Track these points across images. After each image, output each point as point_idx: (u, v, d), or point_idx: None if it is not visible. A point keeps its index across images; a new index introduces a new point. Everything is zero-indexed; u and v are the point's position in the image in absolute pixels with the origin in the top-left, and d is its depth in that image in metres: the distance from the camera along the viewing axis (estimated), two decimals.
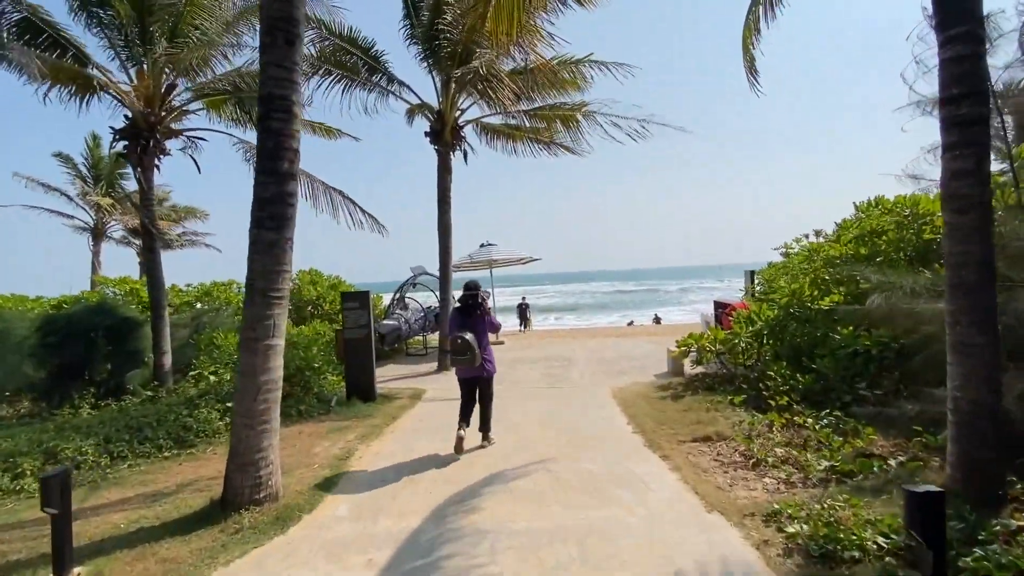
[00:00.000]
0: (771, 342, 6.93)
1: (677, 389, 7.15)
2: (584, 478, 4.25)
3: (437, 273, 10.67)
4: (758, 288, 10.62)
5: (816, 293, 6.55)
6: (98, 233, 20.22)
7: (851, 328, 5.44)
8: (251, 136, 9.31)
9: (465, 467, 4.70)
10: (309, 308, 11.13)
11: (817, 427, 4.74)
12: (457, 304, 5.23)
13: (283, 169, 3.77)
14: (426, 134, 10.12)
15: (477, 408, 5.22)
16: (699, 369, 7.80)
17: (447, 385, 8.63)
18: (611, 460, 4.66)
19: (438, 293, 10.74)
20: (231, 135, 8.72)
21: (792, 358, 6.38)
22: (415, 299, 13.06)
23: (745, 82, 5.81)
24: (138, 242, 22.43)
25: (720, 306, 10.48)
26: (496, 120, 11.34)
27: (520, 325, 20.23)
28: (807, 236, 10.83)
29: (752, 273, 12.02)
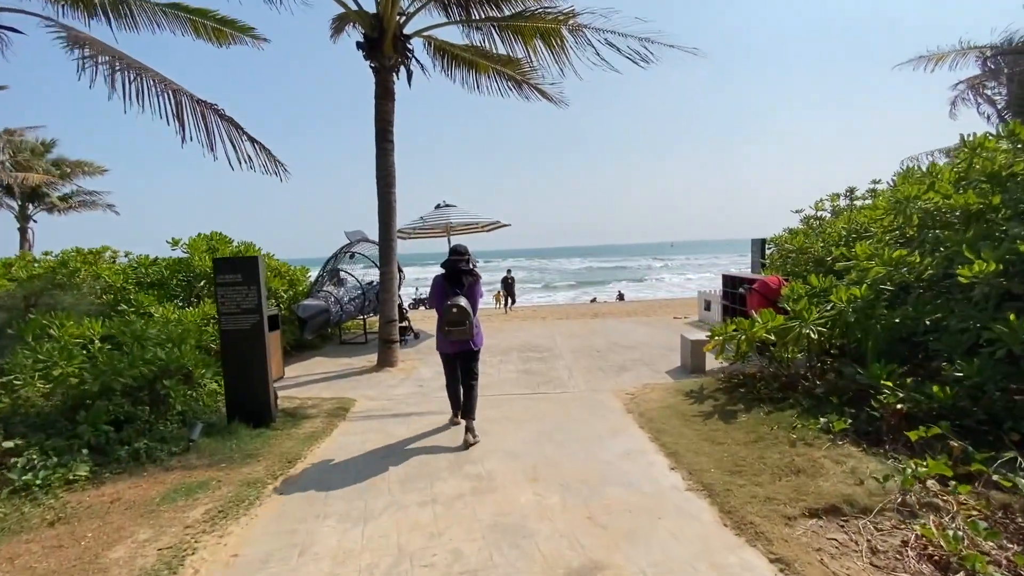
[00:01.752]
0: (844, 331, 4.89)
1: (717, 399, 5.02)
2: None
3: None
4: (766, 260, 8.74)
5: (929, 261, 4.51)
6: None
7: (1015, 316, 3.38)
8: (79, 22, 6.27)
9: None
10: (203, 284, 8.26)
11: None
12: (442, 271, 4.50)
13: None
14: (359, 45, 7.34)
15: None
16: (727, 365, 5.73)
17: (389, 390, 6.16)
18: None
19: (377, 264, 8.14)
20: (44, 18, 5.61)
21: (885, 355, 4.37)
22: (353, 274, 10.37)
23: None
24: (13, 204, 18.34)
25: (737, 281, 8.44)
26: (456, 37, 8.67)
27: (504, 304, 17.84)
28: (839, 195, 8.99)
29: (763, 242, 10.13)
